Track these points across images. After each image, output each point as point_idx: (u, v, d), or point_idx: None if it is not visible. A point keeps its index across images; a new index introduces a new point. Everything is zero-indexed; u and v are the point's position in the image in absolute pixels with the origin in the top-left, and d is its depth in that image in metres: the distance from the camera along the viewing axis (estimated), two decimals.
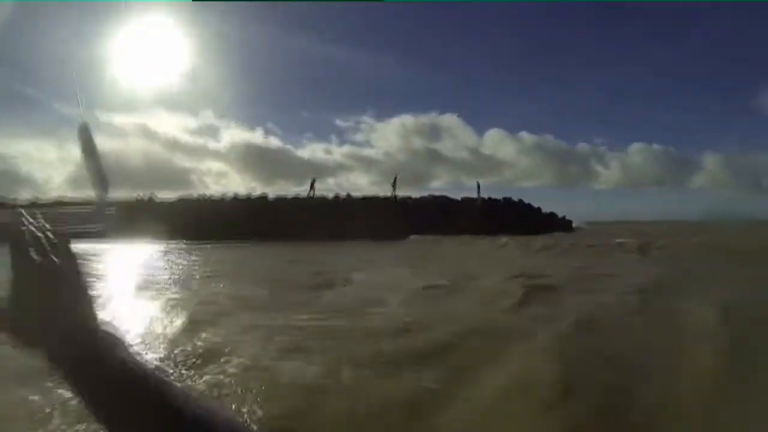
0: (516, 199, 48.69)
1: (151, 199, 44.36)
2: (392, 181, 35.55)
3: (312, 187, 37.82)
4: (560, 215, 50.35)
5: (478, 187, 48.07)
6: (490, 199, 47.31)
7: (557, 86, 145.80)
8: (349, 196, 39.23)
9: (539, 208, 49.20)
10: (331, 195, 40.05)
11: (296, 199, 44.49)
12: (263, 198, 45.08)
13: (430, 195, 41.93)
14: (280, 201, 44.73)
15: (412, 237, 34.90)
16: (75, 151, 0.82)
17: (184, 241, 33.63)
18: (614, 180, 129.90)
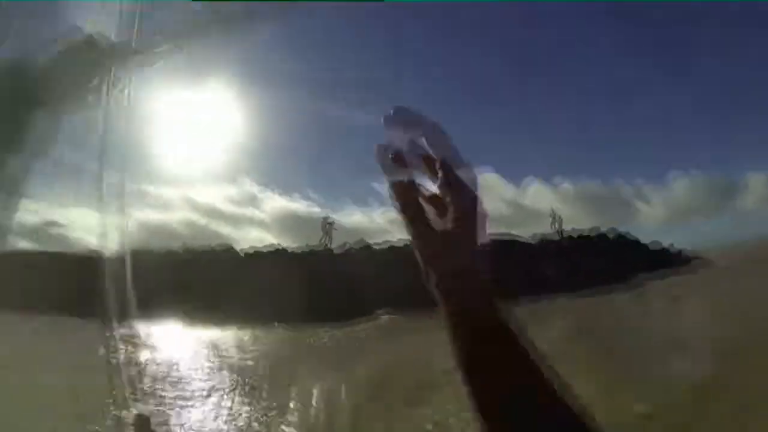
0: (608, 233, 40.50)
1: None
2: None
3: (327, 232, 26.50)
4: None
5: (557, 223, 33.48)
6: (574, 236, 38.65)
7: (587, 123, 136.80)
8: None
9: (637, 241, 42.05)
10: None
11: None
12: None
13: None
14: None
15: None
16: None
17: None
18: (658, 215, 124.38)
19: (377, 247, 35.23)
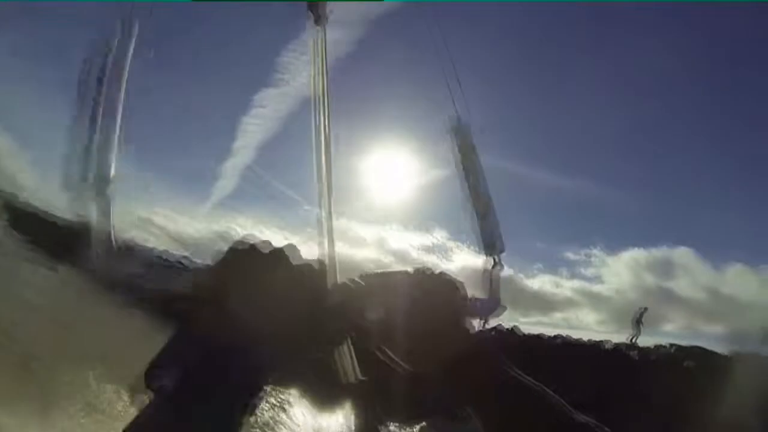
0: None
1: None
2: (637, 316, 18.99)
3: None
4: None
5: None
6: None
7: None
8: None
9: None
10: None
11: None
12: None
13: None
14: None
15: None
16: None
17: None
18: None
19: None
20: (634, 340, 17.76)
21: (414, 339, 0.59)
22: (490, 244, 1.95)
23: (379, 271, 0.70)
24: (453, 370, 0.59)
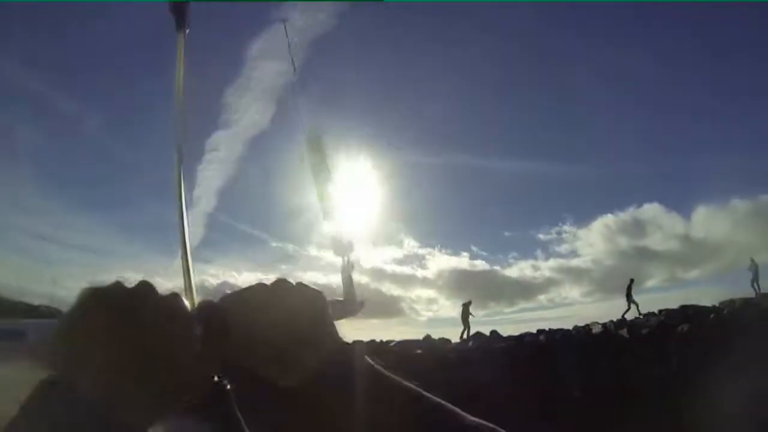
0: None
1: None
2: (627, 290, 17.92)
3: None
4: None
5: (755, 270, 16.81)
6: None
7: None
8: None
9: None
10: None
11: None
12: None
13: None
14: None
15: None
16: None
17: None
18: None
19: None
20: (626, 315, 16.48)
21: (277, 351, 0.57)
22: (338, 245, 1.10)
23: (233, 290, 0.63)
24: (317, 378, 0.57)
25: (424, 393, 0.60)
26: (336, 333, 0.63)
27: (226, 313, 0.57)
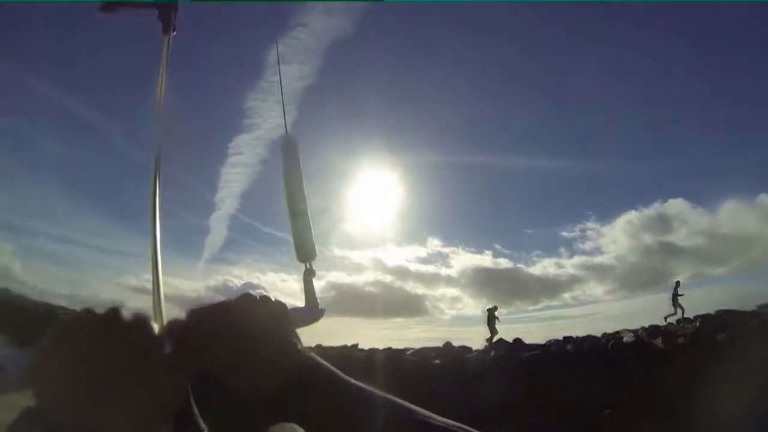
0: None
1: None
2: (673, 292, 16.05)
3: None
4: None
5: None
6: None
7: None
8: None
9: None
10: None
11: None
12: None
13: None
14: None
15: None
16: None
17: None
18: None
19: None
20: (670, 320, 15.54)
21: (237, 362, 0.59)
22: (301, 250, 1.06)
23: (199, 306, 0.64)
24: (284, 391, 0.60)
25: (386, 396, 0.62)
26: (295, 343, 0.64)
27: (192, 330, 0.59)
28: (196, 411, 0.64)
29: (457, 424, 0.60)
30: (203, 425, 0.64)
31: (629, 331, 14.47)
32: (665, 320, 15.49)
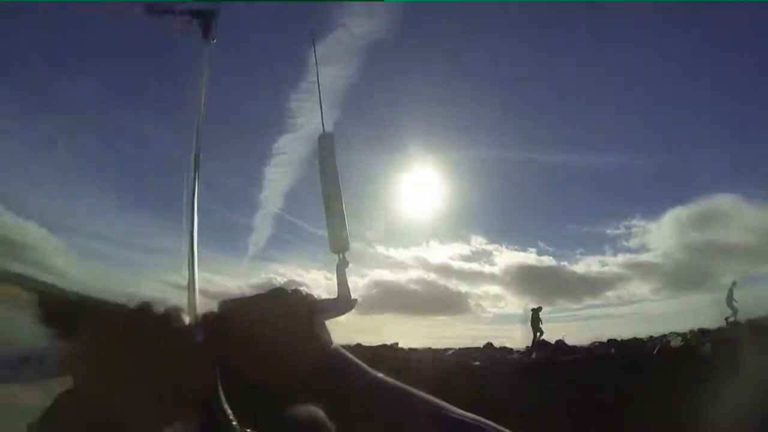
0: None
1: None
2: (729, 293, 15.44)
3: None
4: None
5: None
6: None
7: None
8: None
9: None
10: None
11: None
12: None
13: None
14: None
15: None
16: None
17: None
18: None
19: None
20: (732, 320, 15.08)
21: (264, 352, 0.60)
22: (335, 242, 1.10)
23: (231, 298, 0.67)
24: (309, 381, 0.61)
25: (408, 388, 0.62)
26: (320, 334, 0.65)
27: (224, 321, 0.62)
28: (223, 397, 0.65)
29: (489, 422, 0.60)
30: (230, 411, 0.65)
31: (677, 334, 14.06)
32: (726, 322, 14.97)
